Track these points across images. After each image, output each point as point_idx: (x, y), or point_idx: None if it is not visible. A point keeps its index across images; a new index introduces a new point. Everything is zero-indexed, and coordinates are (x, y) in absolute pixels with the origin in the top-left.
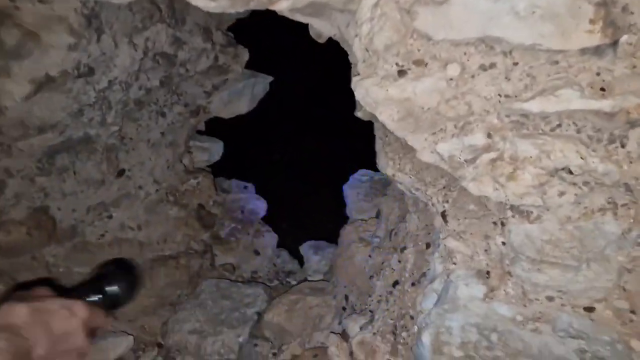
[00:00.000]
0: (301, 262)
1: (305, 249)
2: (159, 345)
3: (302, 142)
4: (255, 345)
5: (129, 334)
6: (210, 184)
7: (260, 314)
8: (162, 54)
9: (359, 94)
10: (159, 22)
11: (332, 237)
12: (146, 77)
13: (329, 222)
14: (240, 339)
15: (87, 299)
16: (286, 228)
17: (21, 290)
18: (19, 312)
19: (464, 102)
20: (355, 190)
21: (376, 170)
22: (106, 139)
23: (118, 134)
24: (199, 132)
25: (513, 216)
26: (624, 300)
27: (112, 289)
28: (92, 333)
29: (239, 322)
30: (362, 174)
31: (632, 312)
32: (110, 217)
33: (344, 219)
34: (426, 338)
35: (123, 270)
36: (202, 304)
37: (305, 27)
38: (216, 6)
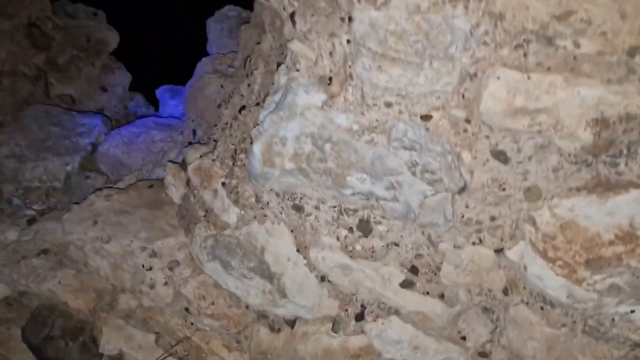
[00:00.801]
0: (157, 107)
1: (161, 92)
2: None
3: None
4: (88, 177)
5: None
6: None
7: (95, 145)
8: None
9: None
10: None
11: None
12: None
13: (189, 63)
14: (68, 168)
15: None
16: (141, 67)
17: None
18: None
19: None
20: (220, 25)
21: (246, 7)
22: None
23: None
24: None
25: (359, 1)
26: (461, 109)
27: None
28: None
29: (68, 150)
30: (229, 9)
31: (468, 121)
32: None
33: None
34: (257, 148)
35: None
36: (25, 129)
37: None
38: None
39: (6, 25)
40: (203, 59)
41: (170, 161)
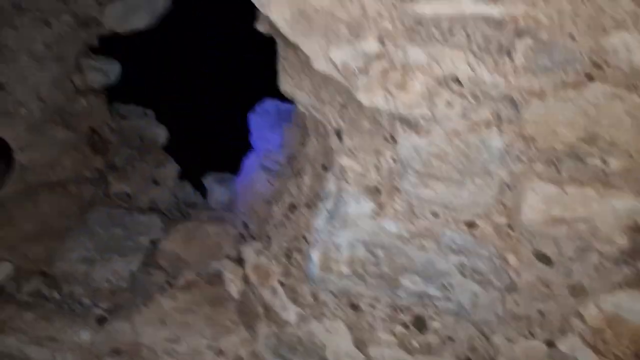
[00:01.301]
0: (204, 194)
1: (208, 180)
2: (43, 274)
3: (207, 67)
4: (149, 274)
5: (8, 261)
6: (103, 106)
7: (155, 243)
8: None
9: None
10: None
11: (237, 169)
12: None
13: (234, 153)
14: (132, 267)
15: None
16: (189, 158)
17: None
18: None
19: (359, 3)
20: (261, 119)
21: (283, 100)
22: None
23: None
24: (94, 51)
25: (402, 129)
26: (503, 217)
27: None
28: None
29: (132, 250)
30: (268, 104)
31: (510, 227)
32: None
33: (249, 150)
34: (315, 255)
35: None
36: (92, 232)
37: None
38: None
39: (71, 137)
40: (250, 154)
41: (227, 257)
